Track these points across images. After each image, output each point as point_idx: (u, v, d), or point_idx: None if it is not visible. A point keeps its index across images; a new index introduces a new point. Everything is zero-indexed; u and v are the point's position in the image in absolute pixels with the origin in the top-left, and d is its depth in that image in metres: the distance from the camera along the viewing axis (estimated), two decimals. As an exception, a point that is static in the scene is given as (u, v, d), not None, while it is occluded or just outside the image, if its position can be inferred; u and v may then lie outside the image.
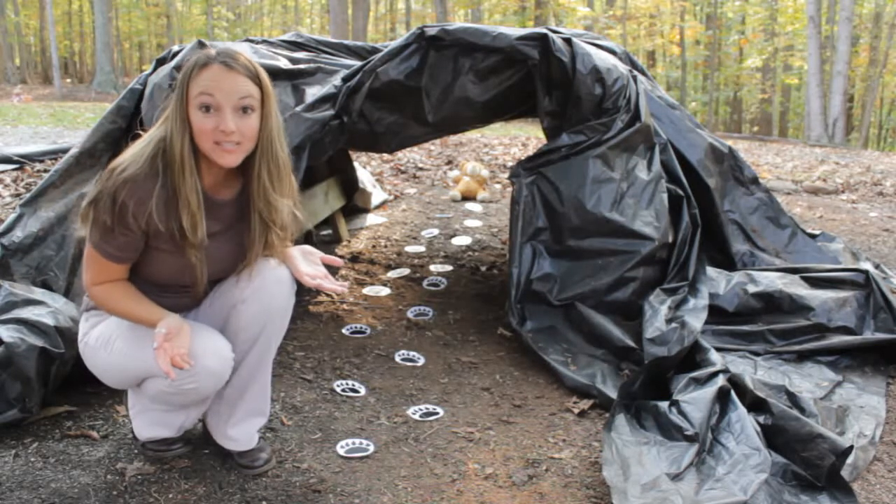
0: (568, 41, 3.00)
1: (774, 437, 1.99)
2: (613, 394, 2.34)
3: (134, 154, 1.69)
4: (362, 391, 2.47)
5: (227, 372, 1.80)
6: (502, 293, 3.34)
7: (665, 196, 3.01)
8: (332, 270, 3.67)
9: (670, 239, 3.00)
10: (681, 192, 3.11)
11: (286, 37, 3.47)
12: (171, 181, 1.67)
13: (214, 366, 1.75)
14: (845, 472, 1.89)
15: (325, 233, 4.28)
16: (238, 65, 1.67)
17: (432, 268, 3.86)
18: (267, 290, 1.81)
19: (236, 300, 1.81)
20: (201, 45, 2.84)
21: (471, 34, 2.95)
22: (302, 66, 3.02)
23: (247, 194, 1.79)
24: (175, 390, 1.75)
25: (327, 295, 3.34)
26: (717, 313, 2.84)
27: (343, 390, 2.46)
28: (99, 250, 1.69)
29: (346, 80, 2.92)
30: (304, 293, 3.30)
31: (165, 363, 1.62)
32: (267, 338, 1.85)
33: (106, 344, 1.78)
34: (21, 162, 5.26)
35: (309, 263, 1.88)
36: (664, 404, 2.13)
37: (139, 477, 1.89)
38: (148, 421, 1.93)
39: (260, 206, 1.77)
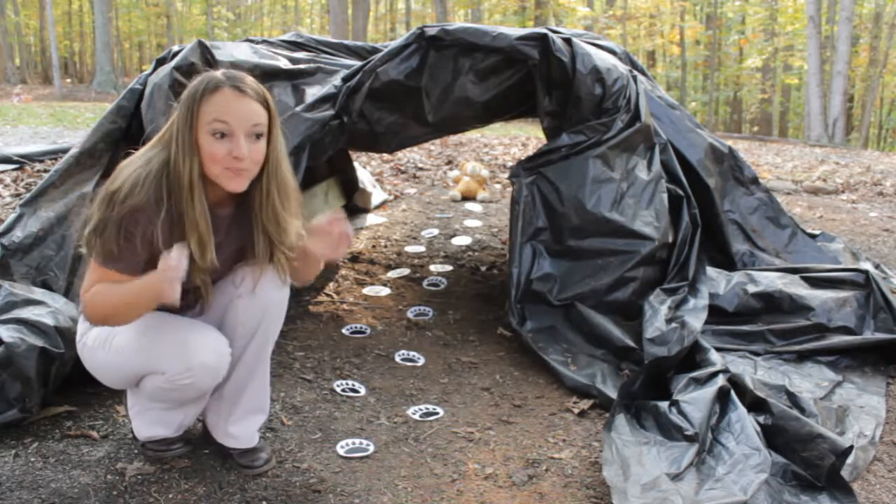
0: (568, 41, 3.00)
1: (774, 437, 1.99)
2: (613, 394, 2.34)
3: (135, 178, 1.64)
4: (362, 391, 2.47)
5: (224, 367, 1.80)
6: (502, 293, 3.34)
7: (665, 196, 3.01)
8: (332, 270, 3.68)
9: (670, 239, 3.00)
10: (681, 192, 3.11)
11: (286, 37, 3.47)
12: (177, 206, 1.65)
13: (211, 361, 1.75)
14: (845, 472, 1.89)
15: (325, 233, 4.28)
16: (249, 88, 1.66)
17: (432, 268, 3.85)
18: (263, 284, 1.82)
19: (233, 296, 1.82)
20: (201, 45, 2.85)
21: (471, 34, 2.95)
22: (302, 66, 3.02)
23: (247, 206, 1.78)
24: (172, 386, 1.76)
25: (327, 295, 3.35)
26: (717, 313, 2.84)
27: (343, 390, 2.46)
28: (105, 267, 1.67)
29: (346, 80, 2.92)
30: (304, 293, 3.30)
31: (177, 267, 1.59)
32: (265, 331, 1.86)
33: (104, 343, 1.78)
34: (21, 162, 5.26)
35: (317, 243, 1.82)
36: (664, 404, 2.13)
37: (139, 477, 1.89)
38: (147, 420, 1.94)
39: (270, 228, 1.76)
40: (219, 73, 1.68)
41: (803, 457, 1.90)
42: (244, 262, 1.83)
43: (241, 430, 1.95)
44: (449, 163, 7.29)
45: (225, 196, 1.75)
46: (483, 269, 3.87)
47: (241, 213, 1.80)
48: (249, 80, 1.69)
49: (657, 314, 2.68)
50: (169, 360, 1.73)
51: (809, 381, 2.51)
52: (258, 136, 1.67)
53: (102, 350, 1.79)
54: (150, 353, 1.73)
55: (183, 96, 1.68)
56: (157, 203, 1.63)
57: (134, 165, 1.68)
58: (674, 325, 2.60)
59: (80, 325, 1.85)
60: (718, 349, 2.53)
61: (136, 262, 1.68)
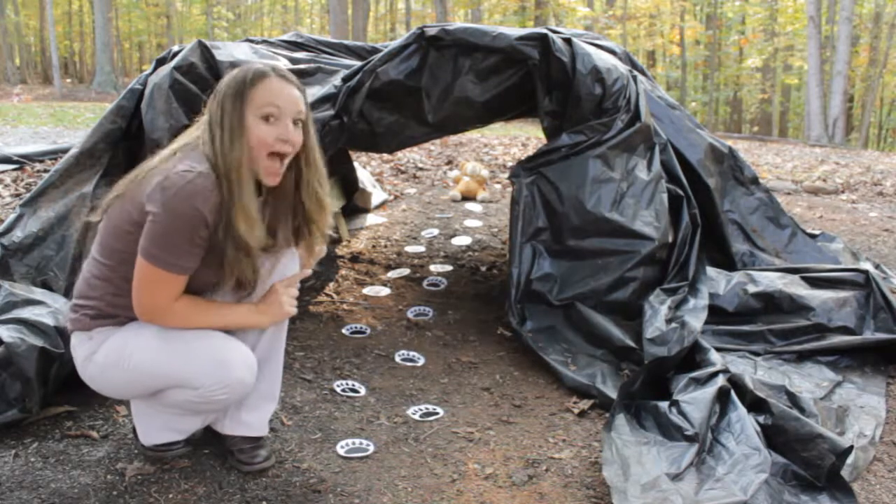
0: (568, 41, 3.00)
1: (774, 437, 1.99)
2: (613, 394, 2.34)
3: (184, 170, 1.62)
4: (362, 391, 2.47)
5: (254, 379, 1.82)
6: (502, 293, 3.34)
7: (665, 196, 3.01)
8: (332, 270, 3.68)
9: (670, 239, 3.00)
10: (681, 192, 3.11)
11: (286, 37, 3.48)
12: (227, 191, 1.64)
13: (246, 377, 1.77)
14: (845, 472, 1.89)
15: (325, 233, 4.28)
16: (291, 77, 1.73)
17: (432, 268, 3.85)
18: (279, 269, 1.84)
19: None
20: (201, 45, 2.85)
21: (471, 34, 2.95)
22: (302, 66, 3.02)
23: (276, 195, 1.82)
24: (204, 399, 1.76)
25: (327, 295, 3.35)
26: (717, 313, 2.84)
27: (343, 390, 2.46)
28: (171, 269, 1.65)
29: (346, 80, 2.92)
30: (304, 293, 3.30)
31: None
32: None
33: (119, 359, 1.74)
34: (21, 162, 5.26)
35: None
36: (664, 404, 2.13)
37: (139, 477, 1.89)
38: (156, 426, 1.92)
39: (312, 209, 1.82)
40: (261, 65, 1.73)
41: (803, 457, 1.90)
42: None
43: (254, 417, 1.95)
44: (449, 163, 7.29)
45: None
46: (483, 269, 3.87)
47: (268, 203, 1.83)
48: (287, 70, 1.76)
49: (657, 314, 2.68)
50: (205, 376, 1.73)
51: (809, 381, 2.51)
52: (297, 122, 1.72)
53: (118, 366, 1.75)
54: (183, 370, 1.72)
55: (225, 85, 1.70)
56: (218, 190, 1.64)
57: (177, 160, 1.65)
58: (674, 325, 2.60)
59: (85, 343, 1.79)
60: (718, 349, 2.53)
61: (198, 257, 1.69)
